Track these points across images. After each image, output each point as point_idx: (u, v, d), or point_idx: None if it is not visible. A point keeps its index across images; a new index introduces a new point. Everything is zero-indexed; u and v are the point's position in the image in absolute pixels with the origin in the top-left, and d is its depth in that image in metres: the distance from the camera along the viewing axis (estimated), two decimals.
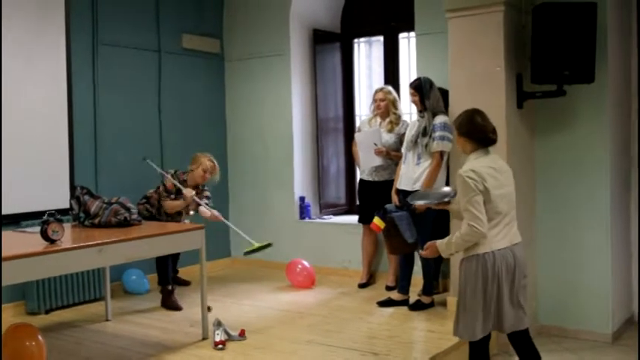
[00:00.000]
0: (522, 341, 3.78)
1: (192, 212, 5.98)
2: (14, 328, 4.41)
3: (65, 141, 5.89)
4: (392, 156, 5.93)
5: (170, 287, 5.73)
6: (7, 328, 4.44)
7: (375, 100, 6.10)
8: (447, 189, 4.12)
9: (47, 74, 5.77)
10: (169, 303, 5.67)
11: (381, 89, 6.13)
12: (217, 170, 6.03)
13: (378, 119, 6.12)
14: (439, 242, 3.74)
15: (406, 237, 5.12)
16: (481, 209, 3.54)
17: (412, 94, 5.36)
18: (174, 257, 6.04)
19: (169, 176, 5.85)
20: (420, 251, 3.89)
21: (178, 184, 5.80)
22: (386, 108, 6.04)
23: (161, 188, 5.87)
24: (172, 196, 5.83)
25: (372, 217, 6.07)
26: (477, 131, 3.72)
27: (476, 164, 3.65)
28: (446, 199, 3.99)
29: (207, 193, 6.02)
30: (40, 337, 4.34)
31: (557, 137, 5.30)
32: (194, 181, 5.92)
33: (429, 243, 3.83)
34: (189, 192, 5.74)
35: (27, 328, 4.47)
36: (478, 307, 3.59)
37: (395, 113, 6.06)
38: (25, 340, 4.29)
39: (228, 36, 7.47)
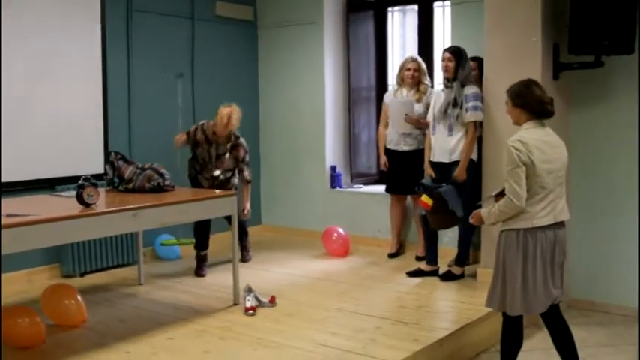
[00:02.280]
0: (552, 315, 3.76)
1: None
2: (53, 289, 4.53)
3: (100, 107, 5.95)
4: (422, 124, 5.89)
5: (202, 253, 5.84)
6: (45, 289, 4.56)
7: (408, 69, 6.04)
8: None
9: (82, 41, 5.81)
10: (196, 269, 5.81)
11: (413, 59, 6.08)
12: (236, 110, 5.66)
13: (404, 90, 6.08)
14: (483, 210, 3.71)
15: (456, 211, 5.04)
16: (521, 183, 3.47)
17: (449, 60, 5.26)
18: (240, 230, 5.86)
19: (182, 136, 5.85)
20: (470, 219, 3.86)
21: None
22: (419, 78, 6.01)
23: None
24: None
25: (399, 187, 6.11)
26: (534, 102, 3.58)
27: (525, 135, 3.54)
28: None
29: (242, 153, 5.82)
30: (79, 297, 4.47)
31: (593, 109, 5.21)
32: (220, 132, 5.69)
33: (474, 212, 3.81)
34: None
35: (66, 288, 4.59)
36: (516, 282, 3.55)
37: (424, 83, 6.04)
38: (65, 299, 4.43)
39: (262, 3, 7.44)
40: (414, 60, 6.07)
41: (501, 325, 3.76)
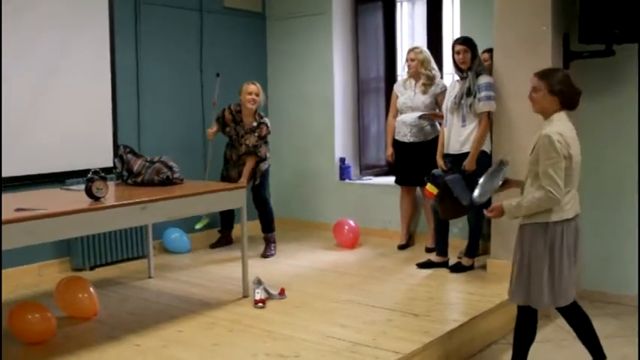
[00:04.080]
0: (570, 306, 3.72)
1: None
2: (67, 281, 4.55)
3: (108, 100, 5.95)
4: (438, 116, 5.86)
5: (225, 232, 6.53)
6: (59, 281, 4.59)
7: (406, 60, 6.05)
8: (494, 168, 4.02)
9: (90, 34, 5.81)
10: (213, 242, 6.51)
11: (412, 49, 6.06)
12: (259, 88, 6.07)
13: (412, 81, 6.05)
14: (506, 203, 3.60)
15: (462, 199, 4.99)
16: (562, 175, 3.41)
17: (464, 51, 5.19)
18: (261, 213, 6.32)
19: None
20: (485, 212, 3.80)
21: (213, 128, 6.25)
22: (416, 68, 5.96)
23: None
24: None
25: (408, 179, 6.10)
26: (571, 92, 3.53)
27: (562, 128, 3.47)
28: (502, 174, 3.88)
29: (265, 132, 6.06)
30: (92, 290, 4.50)
31: (604, 99, 5.16)
32: (246, 108, 6.05)
33: (494, 204, 3.74)
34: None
35: (79, 281, 4.61)
36: (542, 276, 3.51)
37: (425, 74, 5.95)
38: (78, 292, 4.46)
39: None
40: (411, 50, 6.05)
41: (516, 317, 3.72)
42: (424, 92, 5.94)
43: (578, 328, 3.76)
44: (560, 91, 3.52)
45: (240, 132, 6.07)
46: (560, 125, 3.50)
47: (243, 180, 5.96)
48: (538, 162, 3.48)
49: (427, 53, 6.02)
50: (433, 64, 6.03)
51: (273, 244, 6.25)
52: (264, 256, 6.11)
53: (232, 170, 6.18)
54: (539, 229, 3.52)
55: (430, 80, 5.94)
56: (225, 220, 6.50)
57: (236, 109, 6.12)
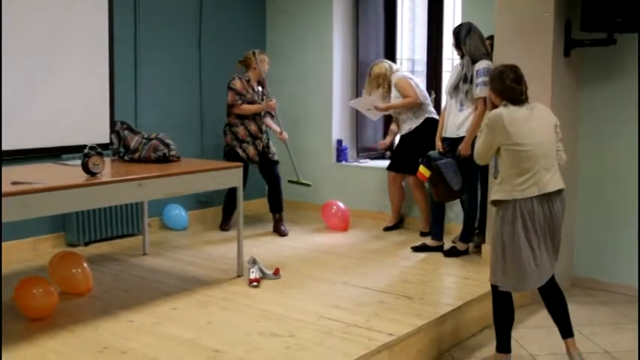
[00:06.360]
0: (547, 284, 3.77)
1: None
2: (61, 256, 4.55)
3: (106, 76, 5.92)
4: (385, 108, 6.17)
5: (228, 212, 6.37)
6: (53, 256, 4.58)
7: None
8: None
9: (89, 10, 5.77)
10: (221, 223, 6.43)
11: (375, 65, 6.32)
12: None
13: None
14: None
15: (452, 184, 5.09)
16: (487, 150, 3.68)
17: (454, 45, 5.33)
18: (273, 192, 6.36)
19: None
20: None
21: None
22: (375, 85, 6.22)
23: (230, 98, 6.13)
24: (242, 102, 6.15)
25: (400, 166, 6.11)
26: (505, 91, 3.68)
27: (506, 110, 3.64)
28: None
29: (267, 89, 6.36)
30: (86, 266, 4.49)
31: (603, 87, 5.15)
32: (256, 74, 6.22)
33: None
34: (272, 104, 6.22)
35: (73, 256, 4.61)
36: (502, 254, 3.62)
37: (385, 83, 6.19)
38: (72, 268, 4.46)
39: None
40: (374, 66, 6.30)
41: (492, 300, 3.79)
42: (389, 95, 6.17)
43: (551, 303, 3.82)
44: (495, 89, 3.75)
45: (259, 93, 6.23)
46: (504, 108, 3.69)
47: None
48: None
49: (385, 67, 6.24)
50: (389, 73, 6.20)
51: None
52: (285, 234, 6.19)
53: (250, 147, 6.18)
54: (498, 207, 3.68)
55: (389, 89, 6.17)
56: (229, 202, 6.31)
57: (245, 78, 6.20)
